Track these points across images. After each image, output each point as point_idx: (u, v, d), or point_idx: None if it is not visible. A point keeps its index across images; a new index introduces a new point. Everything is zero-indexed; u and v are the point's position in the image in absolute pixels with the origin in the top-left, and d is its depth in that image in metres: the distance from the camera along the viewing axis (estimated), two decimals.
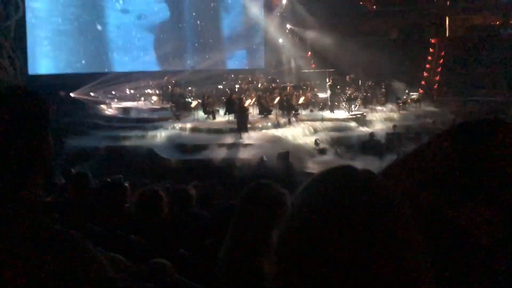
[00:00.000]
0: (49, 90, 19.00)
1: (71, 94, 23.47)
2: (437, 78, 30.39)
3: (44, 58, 24.24)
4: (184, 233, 4.14)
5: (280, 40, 30.92)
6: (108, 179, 6.53)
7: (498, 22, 31.44)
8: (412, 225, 0.84)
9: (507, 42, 28.16)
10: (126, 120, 21.31)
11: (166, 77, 24.83)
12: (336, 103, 22.37)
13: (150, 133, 19.23)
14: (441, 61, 31.24)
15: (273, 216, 2.00)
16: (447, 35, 32.41)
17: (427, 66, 31.24)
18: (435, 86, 28.99)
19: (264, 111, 20.35)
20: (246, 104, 19.13)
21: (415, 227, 0.84)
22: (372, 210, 0.82)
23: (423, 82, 28.58)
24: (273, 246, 0.88)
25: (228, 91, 23.12)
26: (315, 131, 19.50)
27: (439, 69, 30.94)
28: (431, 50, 31.86)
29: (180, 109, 20.97)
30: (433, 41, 32.13)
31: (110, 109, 23.47)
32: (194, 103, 20.66)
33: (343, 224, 0.81)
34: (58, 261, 1.16)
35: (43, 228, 1.21)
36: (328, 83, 22.41)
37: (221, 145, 17.06)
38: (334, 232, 0.80)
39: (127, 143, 18.58)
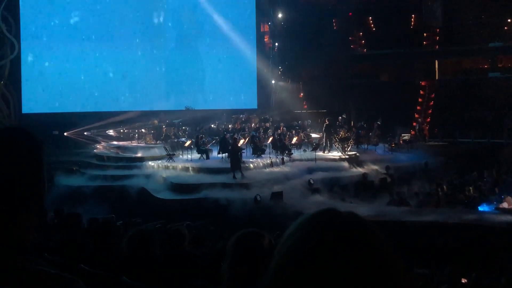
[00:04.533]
0: (42, 129, 19.06)
1: (65, 133, 23.48)
2: (428, 119, 30.76)
3: (38, 97, 24.35)
4: (176, 274, 4.10)
5: (273, 81, 31.35)
6: (101, 219, 6.48)
7: (486, 66, 32.11)
8: (399, 264, 0.86)
9: (496, 85, 28.67)
10: (120, 159, 21.25)
11: (159, 116, 24.97)
12: (328, 144, 22.51)
13: (143, 172, 19.17)
14: (432, 103, 31.69)
15: (260, 262, 2.13)
16: (436, 77, 33.00)
17: (418, 108, 31.66)
18: (426, 128, 29.30)
19: (258, 150, 20.41)
20: (240, 143, 19.19)
21: (401, 266, 0.86)
22: (356, 252, 0.83)
23: (414, 124, 28.89)
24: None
25: (222, 130, 23.25)
26: (309, 171, 19.51)
27: (430, 111, 31.36)
28: (421, 92, 32.36)
29: (174, 148, 20.98)
30: (423, 83, 32.68)
31: (104, 148, 23.45)
32: (187, 142, 20.70)
33: (328, 269, 0.82)
34: None
35: (34, 271, 1.18)
36: (325, 124, 22.52)
37: (215, 185, 16.99)
38: (320, 277, 0.82)
39: (120, 182, 18.48)
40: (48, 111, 24.04)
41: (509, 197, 16.17)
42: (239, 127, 24.40)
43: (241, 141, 19.96)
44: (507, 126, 26.02)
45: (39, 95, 24.38)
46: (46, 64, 24.49)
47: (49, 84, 24.55)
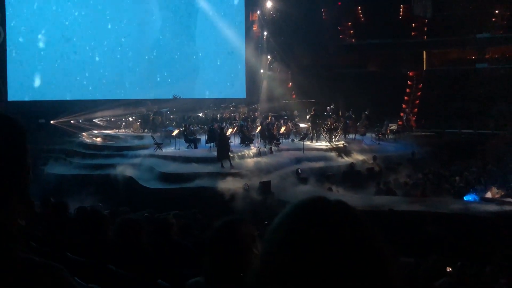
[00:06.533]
0: (28, 117, 18.83)
1: (51, 122, 23.25)
2: (415, 110, 30.95)
3: (24, 85, 24.04)
4: (164, 263, 4.10)
5: (262, 71, 31.28)
6: (88, 208, 6.44)
7: (474, 56, 32.32)
8: (387, 253, 0.86)
9: (483, 76, 28.88)
10: (106, 148, 21.11)
11: (147, 105, 24.83)
12: (316, 133, 22.58)
13: (131, 161, 19.06)
14: (419, 93, 31.87)
15: (242, 251, 2.14)
16: (424, 68, 33.16)
17: (406, 98, 31.83)
18: (414, 118, 29.49)
19: (246, 140, 20.41)
20: (228, 133, 19.16)
21: (389, 254, 0.86)
22: (345, 240, 0.83)
23: (401, 114, 29.06)
24: (250, 280, 0.88)
25: (210, 120, 23.20)
26: (297, 160, 19.57)
27: (417, 101, 31.54)
28: (409, 82, 32.51)
29: (161, 137, 20.90)
30: (411, 74, 32.82)
31: (91, 136, 23.28)
32: (175, 132, 20.61)
33: (317, 256, 0.82)
34: None
35: (20, 258, 1.17)
36: (310, 114, 22.59)
37: (203, 174, 16.98)
38: (308, 265, 0.81)
39: (107, 171, 18.38)
40: (34, 99, 23.77)
41: (493, 188, 16.39)
42: (227, 116, 24.36)
43: (230, 131, 19.94)
44: (493, 117, 26.26)
45: (25, 82, 24.08)
46: (32, 51, 24.13)
47: (35, 72, 24.23)
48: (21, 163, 1.27)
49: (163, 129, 22.09)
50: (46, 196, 8.64)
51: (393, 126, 25.92)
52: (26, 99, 23.64)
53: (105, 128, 24.84)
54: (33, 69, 24.21)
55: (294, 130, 23.47)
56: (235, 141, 20.19)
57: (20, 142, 1.28)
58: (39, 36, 24.30)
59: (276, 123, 22.66)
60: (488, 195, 16.07)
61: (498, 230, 12.65)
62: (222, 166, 17.58)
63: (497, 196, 15.99)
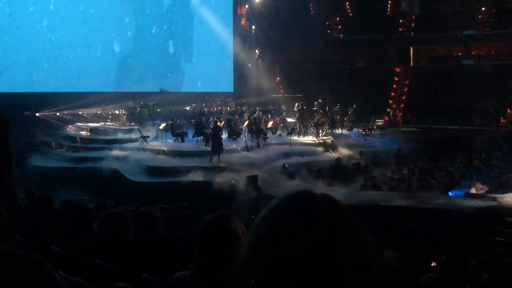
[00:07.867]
0: (14, 109, 18.59)
1: (37, 114, 23.00)
2: (402, 105, 31.14)
3: (9, 76, 23.71)
4: (149, 257, 4.08)
5: (249, 65, 31.23)
6: (73, 201, 6.39)
7: (460, 53, 32.57)
8: (372, 247, 0.86)
9: (469, 72, 29.13)
10: (93, 141, 20.96)
11: (134, 98, 24.67)
12: (303, 128, 22.63)
13: (117, 154, 18.93)
14: (406, 89, 32.07)
15: (230, 246, 2.16)
16: (411, 64, 33.37)
17: (392, 94, 32.01)
18: (400, 113, 29.67)
19: (233, 134, 20.39)
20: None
21: (374, 249, 0.86)
22: (330, 234, 0.83)
23: (388, 109, 29.22)
24: (235, 273, 0.87)
25: (197, 113, 23.13)
26: (284, 155, 19.59)
27: (404, 97, 31.74)
28: (396, 78, 32.69)
29: (148, 130, 20.79)
30: (398, 69, 32.99)
31: (77, 129, 23.07)
32: (162, 125, 20.52)
33: (302, 250, 0.81)
34: (18, 286, 1.11)
35: (2, 251, 1.16)
36: (298, 108, 22.62)
37: (189, 168, 16.92)
38: (293, 258, 0.81)
39: (93, 164, 18.23)
40: (20, 90, 23.46)
41: (477, 183, 16.58)
42: (215, 110, 24.30)
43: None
44: (479, 113, 26.52)
45: (10, 74, 23.74)
46: (17, 42, 23.79)
47: (21, 63, 23.90)
48: (3, 155, 1.25)
49: (150, 122, 21.99)
50: (30, 189, 8.55)
51: (380, 122, 26.07)
52: (11, 91, 23.31)
53: (92, 120, 24.64)
54: (18, 61, 23.88)
55: (281, 124, 23.50)
56: (223, 135, 20.15)
57: (3, 133, 1.26)
58: (23, 27, 23.95)
59: (264, 117, 22.67)
60: (473, 190, 16.24)
61: (482, 225, 12.81)
62: (210, 160, 17.53)
63: (481, 191, 16.18)
